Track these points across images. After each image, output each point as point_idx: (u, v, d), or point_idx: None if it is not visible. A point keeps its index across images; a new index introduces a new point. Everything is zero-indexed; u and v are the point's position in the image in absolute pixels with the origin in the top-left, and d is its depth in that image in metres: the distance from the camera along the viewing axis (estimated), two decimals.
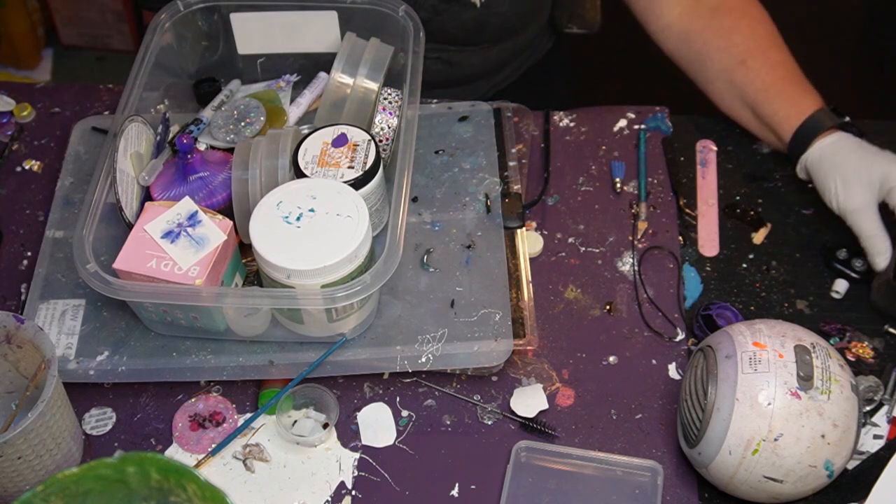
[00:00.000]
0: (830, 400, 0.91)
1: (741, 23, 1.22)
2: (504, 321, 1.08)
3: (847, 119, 1.15)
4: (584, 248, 1.18)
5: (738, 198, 1.23)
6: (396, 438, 1.05)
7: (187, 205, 1.05)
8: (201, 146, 1.18)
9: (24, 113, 1.32)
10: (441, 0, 1.29)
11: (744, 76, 1.20)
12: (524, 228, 1.15)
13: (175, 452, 1.04)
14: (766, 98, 1.19)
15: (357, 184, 1.06)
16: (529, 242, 1.16)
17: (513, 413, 1.05)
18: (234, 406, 1.06)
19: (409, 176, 1.07)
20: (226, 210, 1.09)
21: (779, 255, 1.18)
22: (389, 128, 1.15)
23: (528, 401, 1.06)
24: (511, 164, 1.21)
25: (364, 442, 1.04)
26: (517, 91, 1.48)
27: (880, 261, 1.10)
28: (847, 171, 1.10)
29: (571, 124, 1.30)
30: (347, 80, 1.19)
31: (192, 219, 1.04)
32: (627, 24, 1.34)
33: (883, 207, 1.09)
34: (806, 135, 1.15)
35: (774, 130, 1.19)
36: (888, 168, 1.08)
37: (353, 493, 1.01)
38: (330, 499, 1.01)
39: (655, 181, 1.24)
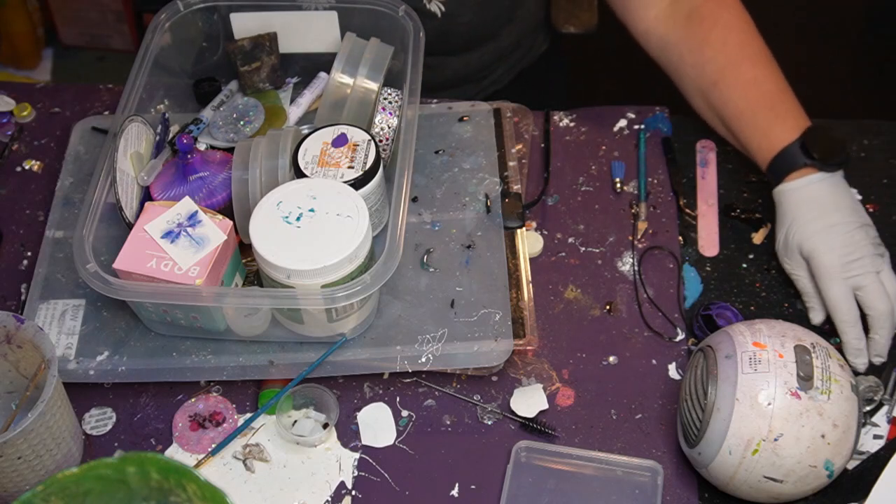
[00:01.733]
0: (830, 400, 0.91)
1: (712, 34, 1.17)
2: (504, 321, 1.08)
3: (816, 158, 1.08)
4: (584, 248, 1.18)
5: (738, 198, 1.23)
6: (396, 438, 1.05)
7: (187, 205, 1.05)
8: (201, 146, 1.18)
9: (24, 113, 1.32)
10: None
11: (717, 99, 1.16)
12: (524, 228, 1.15)
13: (175, 452, 1.04)
14: (739, 125, 1.15)
15: (357, 184, 1.06)
16: (529, 242, 1.16)
17: (513, 413, 1.05)
18: (234, 406, 1.06)
19: (409, 176, 1.07)
20: (226, 210, 1.09)
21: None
22: (389, 128, 1.15)
23: (528, 401, 1.06)
24: (511, 164, 1.21)
25: (364, 442, 1.04)
26: (515, 92, 1.48)
27: (813, 317, 1.10)
28: (789, 234, 1.09)
29: (571, 124, 1.30)
30: (347, 80, 1.19)
31: (192, 219, 1.04)
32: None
33: None
34: (776, 173, 1.11)
35: (752, 158, 1.15)
36: (816, 253, 1.06)
37: (353, 493, 1.01)
38: (330, 499, 1.01)
39: (655, 181, 1.24)
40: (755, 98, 1.14)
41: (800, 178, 1.09)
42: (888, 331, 1.05)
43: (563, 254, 1.18)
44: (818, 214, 1.07)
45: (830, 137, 1.09)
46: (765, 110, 1.13)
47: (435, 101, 1.29)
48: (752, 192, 1.23)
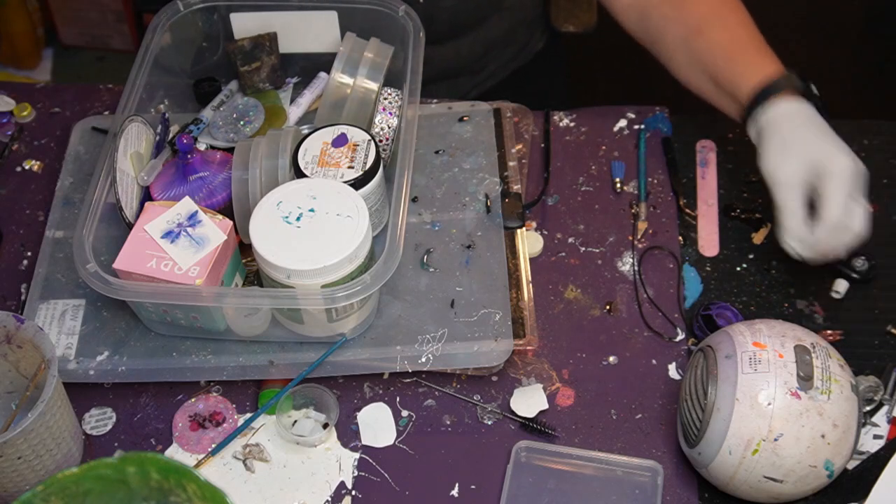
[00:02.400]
0: (830, 400, 0.91)
1: None
2: (504, 321, 1.08)
3: (811, 86, 1.10)
4: (584, 248, 1.18)
5: (738, 198, 1.23)
6: (396, 438, 1.05)
7: (187, 205, 1.05)
8: (201, 146, 1.18)
9: (24, 113, 1.32)
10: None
11: (702, 44, 1.16)
12: (524, 228, 1.15)
13: (175, 452, 1.04)
14: (727, 64, 1.13)
15: (357, 184, 1.06)
16: (529, 242, 1.16)
17: (513, 413, 1.05)
18: (234, 406, 1.06)
19: (409, 176, 1.07)
20: (226, 210, 1.09)
21: (779, 255, 1.17)
22: (389, 128, 1.15)
23: (528, 401, 1.06)
24: (511, 164, 1.21)
25: (364, 442, 1.04)
26: (515, 91, 1.48)
27: (785, 233, 1.05)
28: (788, 140, 1.06)
29: (571, 124, 1.30)
30: (347, 80, 1.19)
31: (192, 219, 1.04)
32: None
33: None
34: (764, 95, 1.09)
35: (733, 94, 1.13)
36: (829, 152, 1.03)
37: (353, 493, 1.01)
38: (330, 499, 1.01)
39: (655, 181, 1.24)
40: (742, 38, 1.14)
41: (788, 101, 1.08)
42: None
43: (563, 254, 1.18)
44: (819, 127, 1.06)
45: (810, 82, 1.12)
46: (753, 48, 1.13)
47: (435, 101, 1.29)
48: (752, 192, 1.23)
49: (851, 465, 0.99)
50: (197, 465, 1.02)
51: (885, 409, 1.04)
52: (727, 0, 1.18)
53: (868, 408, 1.04)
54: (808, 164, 1.04)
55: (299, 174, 1.08)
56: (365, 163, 1.08)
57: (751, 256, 1.18)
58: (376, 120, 1.15)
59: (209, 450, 1.03)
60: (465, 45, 1.41)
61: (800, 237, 1.04)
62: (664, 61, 1.23)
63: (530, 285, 1.11)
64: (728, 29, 1.16)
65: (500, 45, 1.46)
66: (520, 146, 1.24)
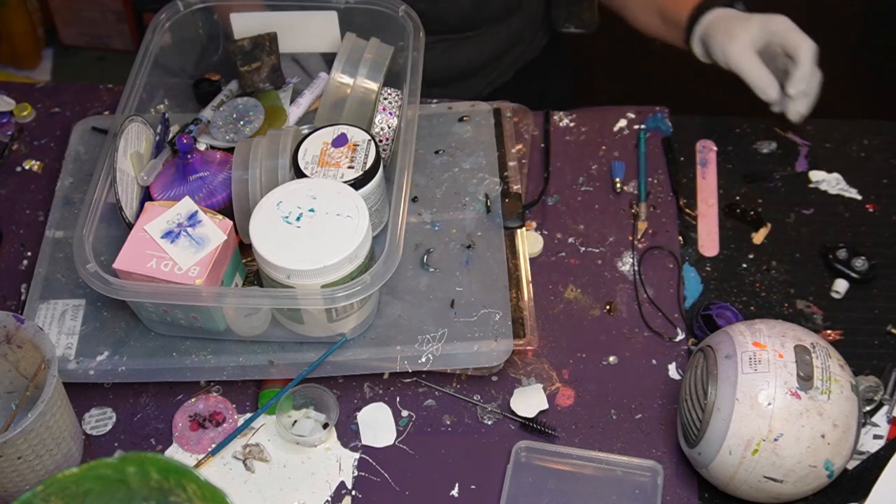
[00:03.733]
0: (830, 400, 0.91)
1: None
2: (504, 321, 1.08)
3: (738, 3, 1.22)
4: (584, 248, 1.18)
5: (738, 198, 1.23)
6: (396, 438, 1.05)
7: (187, 205, 1.05)
8: (201, 146, 1.18)
9: (24, 113, 1.32)
10: None
11: None
12: (524, 228, 1.15)
13: (175, 452, 1.04)
14: (670, 1, 1.26)
15: (357, 184, 1.06)
16: (529, 242, 1.16)
17: (513, 413, 1.05)
18: (234, 406, 1.06)
19: (409, 176, 1.07)
20: (226, 210, 1.09)
21: (779, 255, 1.18)
22: (389, 128, 1.15)
23: (528, 401, 1.06)
24: (511, 164, 1.21)
25: (364, 442, 1.04)
26: (516, 91, 1.48)
27: (771, 92, 1.16)
28: (731, 24, 1.18)
29: (571, 124, 1.30)
30: (347, 80, 1.19)
31: (192, 219, 1.04)
32: (627, 23, 1.34)
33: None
34: (698, 12, 1.21)
35: (677, 22, 1.24)
36: (767, 18, 1.16)
37: (353, 493, 1.01)
38: (330, 499, 1.01)
39: (655, 181, 1.24)
40: None
41: (723, 9, 1.21)
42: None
43: (563, 254, 1.18)
44: (748, 13, 1.19)
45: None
46: None
47: (435, 101, 1.29)
48: (752, 192, 1.23)
49: (851, 465, 0.99)
50: (197, 465, 1.02)
51: (885, 409, 1.04)
52: None
53: (868, 408, 1.04)
54: (754, 30, 1.16)
55: (299, 174, 1.08)
56: (365, 163, 1.08)
57: (751, 256, 1.18)
58: (376, 120, 1.15)
59: (209, 450, 1.03)
60: (489, 40, 1.42)
61: (776, 99, 1.17)
62: (629, 18, 1.35)
63: (530, 285, 1.11)
64: None
65: (517, 41, 1.47)
66: (520, 146, 1.24)
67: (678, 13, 1.25)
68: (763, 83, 1.15)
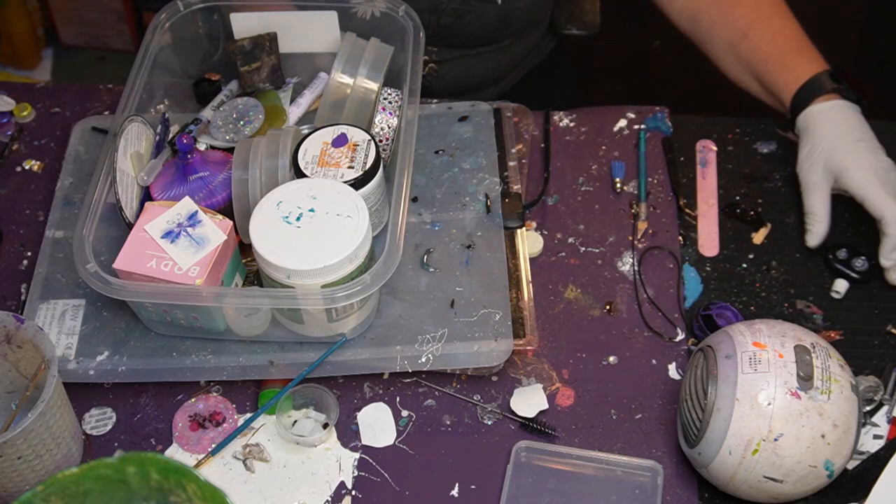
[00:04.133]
0: (830, 400, 0.91)
1: None
2: (504, 321, 1.08)
3: (843, 84, 1.17)
4: (584, 248, 1.18)
5: (738, 198, 1.23)
6: (396, 438, 1.05)
7: (187, 205, 1.05)
8: (201, 146, 1.18)
9: (24, 113, 1.32)
10: (463, 3, 1.29)
11: (747, 48, 1.22)
12: (524, 228, 1.15)
13: (175, 452, 1.04)
14: (769, 67, 1.21)
15: (357, 184, 1.06)
16: (529, 242, 1.16)
17: (513, 413, 1.05)
18: (234, 406, 1.06)
19: (409, 176, 1.07)
20: (226, 210, 1.09)
21: (779, 255, 1.18)
22: (389, 128, 1.15)
23: (528, 401, 1.06)
24: (511, 164, 1.21)
25: (364, 442, 1.04)
26: (518, 91, 1.48)
27: (810, 238, 1.15)
28: (816, 148, 1.14)
29: (571, 124, 1.30)
30: (347, 80, 1.19)
31: (192, 219, 1.04)
32: (628, 24, 1.34)
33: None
34: (801, 100, 1.17)
35: (779, 98, 1.21)
36: (848, 163, 1.11)
37: (353, 493, 1.01)
38: (330, 499, 1.01)
39: (655, 181, 1.24)
40: (784, 43, 1.21)
41: (826, 102, 1.16)
42: None
43: (563, 254, 1.18)
44: (843, 130, 1.14)
45: (853, 77, 1.18)
46: (794, 52, 1.20)
47: (435, 101, 1.29)
48: (752, 192, 1.23)
49: (851, 465, 0.99)
50: (197, 465, 1.02)
51: (885, 409, 1.04)
52: (773, 5, 1.24)
53: (868, 408, 1.04)
54: (830, 173, 1.13)
55: (299, 174, 1.08)
56: (365, 163, 1.08)
57: (751, 256, 1.18)
58: (376, 120, 1.15)
59: (209, 450, 1.03)
60: (508, 51, 1.43)
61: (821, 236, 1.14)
62: (714, 62, 1.29)
63: (530, 285, 1.11)
64: (771, 33, 1.22)
65: (531, 51, 1.48)
66: (520, 146, 1.24)
67: (777, 87, 1.20)
68: (812, 234, 1.15)
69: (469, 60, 1.37)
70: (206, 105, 1.23)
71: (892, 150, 1.15)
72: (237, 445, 1.04)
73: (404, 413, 1.06)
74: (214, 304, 1.01)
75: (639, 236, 1.19)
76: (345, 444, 1.04)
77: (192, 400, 1.06)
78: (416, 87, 1.14)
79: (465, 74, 1.39)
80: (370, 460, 1.03)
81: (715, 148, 1.27)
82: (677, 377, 1.08)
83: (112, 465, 0.81)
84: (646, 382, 1.08)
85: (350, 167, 1.07)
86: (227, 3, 1.24)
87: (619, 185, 1.23)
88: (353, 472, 1.02)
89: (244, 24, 1.24)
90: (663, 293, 1.14)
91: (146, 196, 1.12)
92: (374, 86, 1.18)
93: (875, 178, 1.10)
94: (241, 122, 1.19)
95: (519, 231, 1.15)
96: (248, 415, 1.06)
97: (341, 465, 1.03)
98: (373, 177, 1.08)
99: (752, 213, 1.21)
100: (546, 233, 1.20)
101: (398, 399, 1.07)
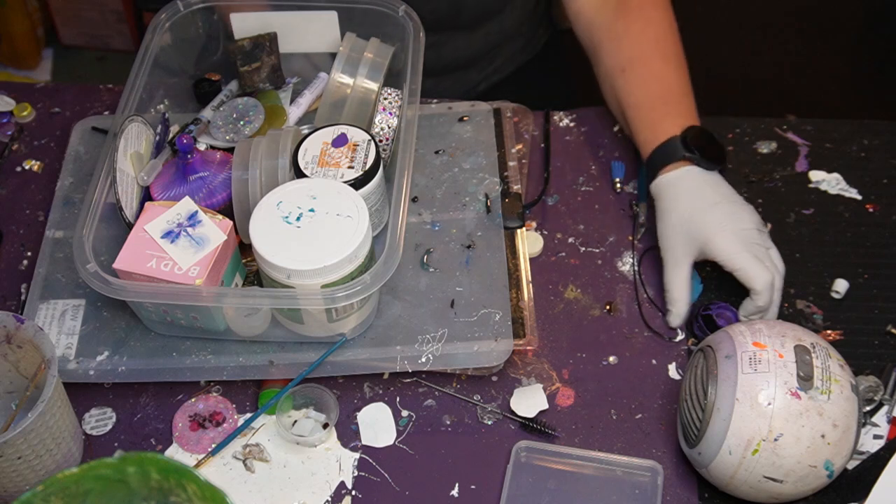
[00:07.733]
0: (830, 400, 0.91)
1: (633, 27, 1.20)
2: (504, 321, 1.08)
3: (695, 154, 1.11)
4: (584, 248, 1.18)
5: None
6: (396, 438, 1.05)
7: (187, 205, 1.05)
8: (201, 146, 1.18)
9: (24, 113, 1.32)
10: None
11: (621, 88, 1.19)
12: (524, 228, 1.15)
13: (175, 452, 1.04)
14: (634, 115, 1.17)
15: (357, 184, 1.06)
16: (529, 242, 1.16)
17: (513, 413, 1.05)
18: (234, 406, 1.06)
19: (409, 176, 1.07)
20: (226, 210, 1.09)
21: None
22: (389, 128, 1.15)
23: (528, 401, 1.06)
24: (511, 164, 1.21)
25: (364, 442, 1.04)
26: (517, 90, 1.48)
27: (671, 319, 1.11)
28: (673, 217, 1.10)
29: (571, 124, 1.30)
30: (347, 80, 1.19)
31: (192, 219, 1.04)
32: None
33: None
34: (654, 165, 1.13)
35: (640, 150, 1.17)
36: (710, 232, 1.06)
37: (353, 493, 1.01)
38: (330, 499, 1.01)
39: None
40: (654, 92, 1.17)
41: (677, 170, 1.11)
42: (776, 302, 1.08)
43: (563, 254, 1.18)
44: (698, 197, 1.09)
45: (711, 137, 1.13)
46: (659, 105, 1.16)
47: (435, 101, 1.29)
48: (752, 192, 1.23)
49: (851, 465, 0.99)
50: (197, 465, 1.02)
51: (885, 409, 1.04)
52: (662, 44, 1.19)
53: (868, 408, 1.04)
54: (692, 246, 1.08)
55: (299, 174, 1.08)
56: (365, 163, 1.08)
57: None
58: (376, 120, 1.15)
59: (209, 450, 1.03)
60: (480, 35, 1.41)
61: (679, 313, 1.10)
62: (599, 84, 1.26)
63: (530, 285, 1.11)
64: (646, 77, 1.18)
65: (511, 37, 1.46)
66: (520, 146, 1.24)
67: (638, 140, 1.16)
68: (672, 313, 1.11)
69: (435, 41, 1.31)
70: (206, 105, 1.23)
71: (892, 149, 1.16)
72: (237, 445, 1.04)
73: (404, 413, 1.06)
74: (214, 304, 1.01)
75: (639, 236, 1.19)
76: (345, 444, 1.04)
77: (192, 400, 1.07)
78: (416, 87, 1.14)
79: (434, 56, 1.34)
80: (370, 460, 1.03)
81: None
82: (677, 377, 1.08)
83: (112, 465, 0.81)
84: (646, 382, 1.08)
85: (350, 167, 1.07)
86: (228, 3, 1.24)
87: (619, 185, 1.23)
88: (353, 472, 1.02)
89: (244, 24, 1.24)
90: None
91: (146, 196, 1.12)
92: (374, 86, 1.18)
93: (741, 246, 1.05)
94: (241, 122, 1.19)
95: (519, 231, 1.15)
96: (248, 415, 1.06)
97: (341, 465, 1.03)
98: (373, 177, 1.08)
99: None
100: (546, 233, 1.20)
101: (398, 399, 1.07)
